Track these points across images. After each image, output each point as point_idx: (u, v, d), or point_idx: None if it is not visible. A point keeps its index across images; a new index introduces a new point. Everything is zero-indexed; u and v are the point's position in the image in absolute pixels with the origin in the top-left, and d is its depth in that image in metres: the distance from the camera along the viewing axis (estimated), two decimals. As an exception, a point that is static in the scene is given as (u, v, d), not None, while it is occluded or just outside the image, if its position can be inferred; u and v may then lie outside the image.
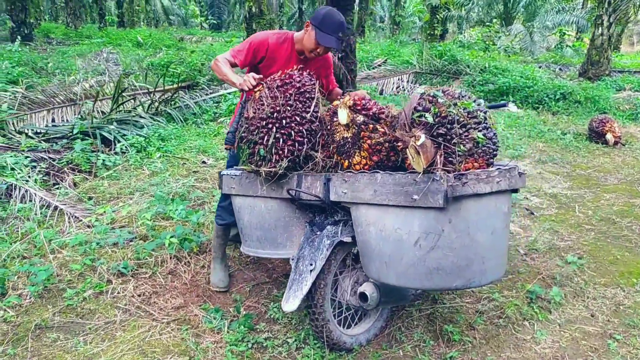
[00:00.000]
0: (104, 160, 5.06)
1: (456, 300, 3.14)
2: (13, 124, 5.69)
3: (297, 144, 2.53)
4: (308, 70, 2.76)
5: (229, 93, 8.25)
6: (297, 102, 2.57)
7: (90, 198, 4.44)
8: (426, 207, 2.06)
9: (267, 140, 2.53)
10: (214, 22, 26.21)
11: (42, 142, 5.43)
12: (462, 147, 2.09)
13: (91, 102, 6.53)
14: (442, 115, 2.11)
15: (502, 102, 3.25)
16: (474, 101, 2.24)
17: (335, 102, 2.47)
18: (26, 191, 4.14)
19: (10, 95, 5.97)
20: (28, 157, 4.89)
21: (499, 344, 2.77)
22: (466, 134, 2.12)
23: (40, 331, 2.64)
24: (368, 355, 2.65)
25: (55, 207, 4.05)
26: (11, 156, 4.68)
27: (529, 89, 9.73)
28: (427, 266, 2.12)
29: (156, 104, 7.13)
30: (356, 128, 2.28)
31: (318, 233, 2.57)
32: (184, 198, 4.37)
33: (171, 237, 3.39)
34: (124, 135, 5.85)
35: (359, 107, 2.35)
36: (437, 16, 19.22)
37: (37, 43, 15.90)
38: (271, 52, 2.96)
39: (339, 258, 2.57)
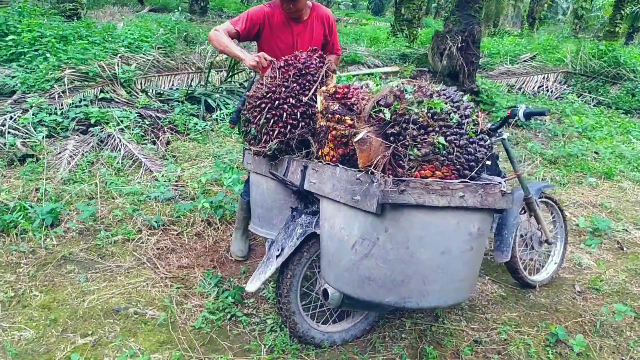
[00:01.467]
0: (196, 123, 5.51)
1: (460, 323, 2.84)
2: (141, 83, 6.47)
3: (288, 127, 2.50)
4: (320, 53, 2.69)
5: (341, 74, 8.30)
6: (295, 84, 2.53)
7: (173, 156, 4.90)
8: (366, 210, 1.91)
9: (259, 120, 2.54)
10: (376, 5, 26.30)
11: (157, 102, 6.10)
12: (415, 150, 1.87)
13: (214, 70, 7.14)
14: (400, 113, 1.91)
15: (542, 109, 2.78)
16: (458, 102, 1.98)
17: (323, 88, 2.37)
18: (119, 141, 4.73)
19: (144, 58, 6.77)
20: (139, 113, 5.55)
21: (481, 381, 2.46)
22: (424, 137, 1.88)
23: (64, 261, 3.05)
24: (334, 356, 2.55)
25: (136, 159, 4.56)
26: (121, 110, 5.36)
27: None
28: (360, 274, 1.97)
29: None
30: (327, 117, 2.18)
31: (296, 220, 2.52)
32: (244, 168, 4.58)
33: (205, 201, 3.61)
34: (227, 104, 6.28)
35: (339, 96, 2.23)
36: (622, 11, 16.75)
37: (208, 16, 17.62)
38: (269, 20, 3.00)
39: (314, 251, 2.49)
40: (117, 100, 5.85)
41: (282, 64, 2.60)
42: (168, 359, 2.38)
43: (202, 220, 3.62)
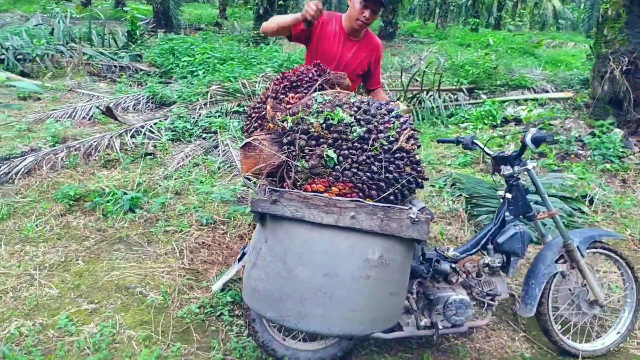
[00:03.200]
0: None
1: (447, 373, 2.47)
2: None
3: (272, 137, 2.55)
4: (322, 67, 2.66)
5: (489, 98, 7.72)
6: (283, 95, 2.56)
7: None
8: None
9: (249, 128, 2.64)
10: (590, 25, 23.27)
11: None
12: (303, 162, 1.76)
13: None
14: (296, 122, 1.82)
15: (547, 134, 2.21)
16: (372, 115, 1.80)
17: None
18: (224, 147, 5.27)
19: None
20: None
21: None
22: (314, 148, 1.76)
23: (119, 241, 3.56)
24: (290, 372, 2.48)
25: (234, 164, 5.02)
26: (240, 121, 5.95)
27: None
28: (250, 283, 1.92)
29: (405, 101, 7.40)
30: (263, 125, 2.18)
31: (263, 227, 2.54)
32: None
33: (255, 207, 3.81)
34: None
35: (289, 106, 2.21)
36: None
37: (395, 41, 18.09)
38: (322, 27, 2.94)
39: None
40: (248, 113, 6.49)
41: (279, 76, 2.67)
42: (137, 337, 2.62)
43: (249, 224, 3.83)
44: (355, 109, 1.84)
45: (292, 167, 1.79)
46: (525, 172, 2.51)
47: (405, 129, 1.84)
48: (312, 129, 1.77)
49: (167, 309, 2.88)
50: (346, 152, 1.76)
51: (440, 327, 2.40)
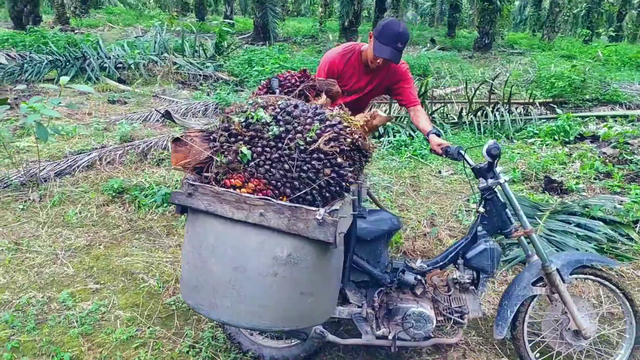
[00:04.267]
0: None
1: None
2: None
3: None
4: (306, 73, 2.72)
5: (572, 113, 7.17)
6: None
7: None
8: (187, 210, 1.99)
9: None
10: None
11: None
12: (222, 157, 1.85)
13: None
14: (223, 121, 1.91)
15: (495, 146, 1.98)
16: (293, 115, 1.84)
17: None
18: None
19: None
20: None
21: None
22: (231, 145, 1.84)
23: (142, 231, 3.87)
24: (249, 367, 2.56)
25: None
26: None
27: None
28: (182, 273, 2.03)
29: (470, 114, 7.14)
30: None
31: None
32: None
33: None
34: (398, 132, 6.36)
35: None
36: None
37: (491, 52, 17.39)
38: (339, 69, 3.01)
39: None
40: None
41: (264, 83, 2.77)
42: (124, 317, 2.85)
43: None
44: (279, 110, 1.89)
45: (214, 163, 1.88)
46: (499, 187, 2.37)
47: (328, 132, 1.85)
48: (232, 126, 1.86)
49: (160, 295, 3.09)
50: (260, 149, 1.82)
51: (389, 337, 2.33)
